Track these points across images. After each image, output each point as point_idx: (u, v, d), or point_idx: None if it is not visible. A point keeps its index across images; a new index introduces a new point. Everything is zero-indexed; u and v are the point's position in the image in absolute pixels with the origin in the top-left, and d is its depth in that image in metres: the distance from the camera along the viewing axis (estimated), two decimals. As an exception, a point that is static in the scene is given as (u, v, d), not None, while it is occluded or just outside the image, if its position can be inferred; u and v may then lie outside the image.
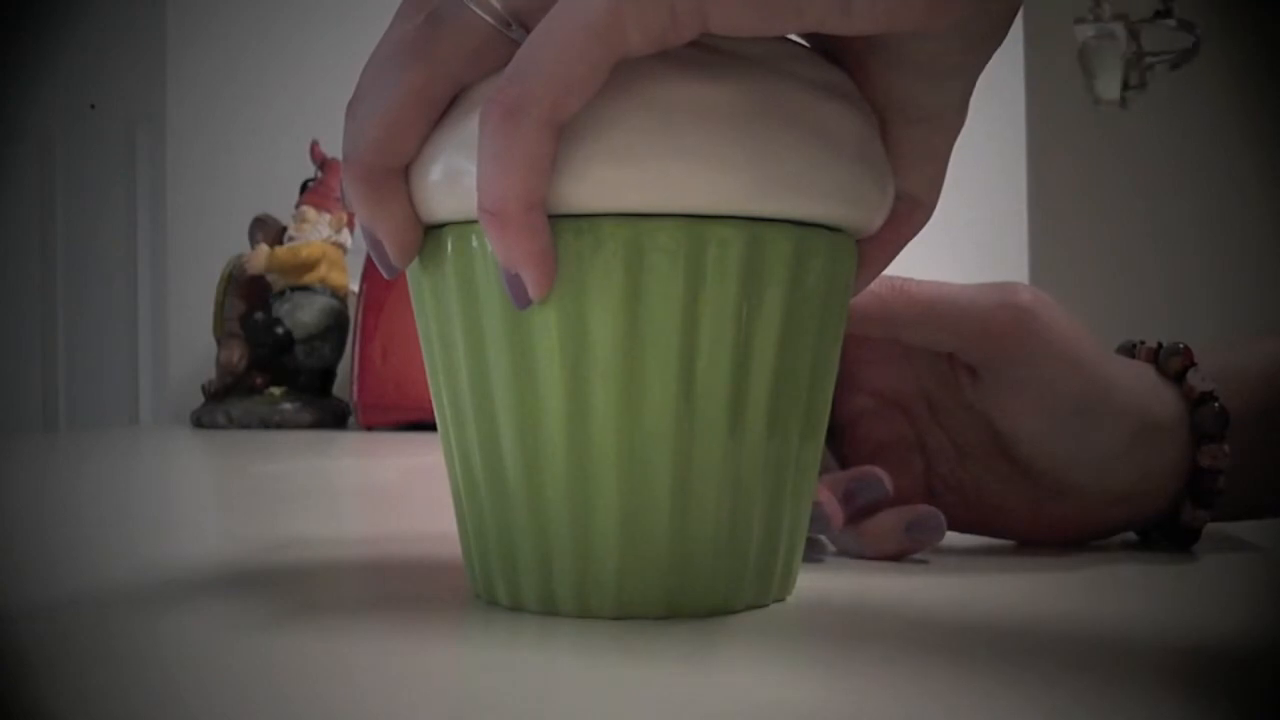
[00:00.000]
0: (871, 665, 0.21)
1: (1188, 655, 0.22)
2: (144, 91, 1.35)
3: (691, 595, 0.25)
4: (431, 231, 0.26)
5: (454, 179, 0.24)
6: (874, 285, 0.33)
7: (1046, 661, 0.21)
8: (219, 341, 1.17)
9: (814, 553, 0.34)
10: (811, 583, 0.29)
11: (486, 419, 0.25)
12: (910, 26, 0.22)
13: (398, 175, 0.24)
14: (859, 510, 0.32)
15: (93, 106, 1.39)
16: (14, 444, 0.94)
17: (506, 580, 0.26)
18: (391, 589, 0.29)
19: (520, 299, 0.23)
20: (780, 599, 0.27)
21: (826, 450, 0.36)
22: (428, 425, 1.02)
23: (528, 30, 0.23)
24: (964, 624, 0.25)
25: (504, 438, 0.25)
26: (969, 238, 1.31)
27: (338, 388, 1.19)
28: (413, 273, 0.27)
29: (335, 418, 1.16)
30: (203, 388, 1.17)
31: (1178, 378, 0.35)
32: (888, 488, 0.32)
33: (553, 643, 0.23)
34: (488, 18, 0.23)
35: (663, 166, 0.23)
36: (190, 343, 1.29)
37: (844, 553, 0.34)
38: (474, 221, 0.24)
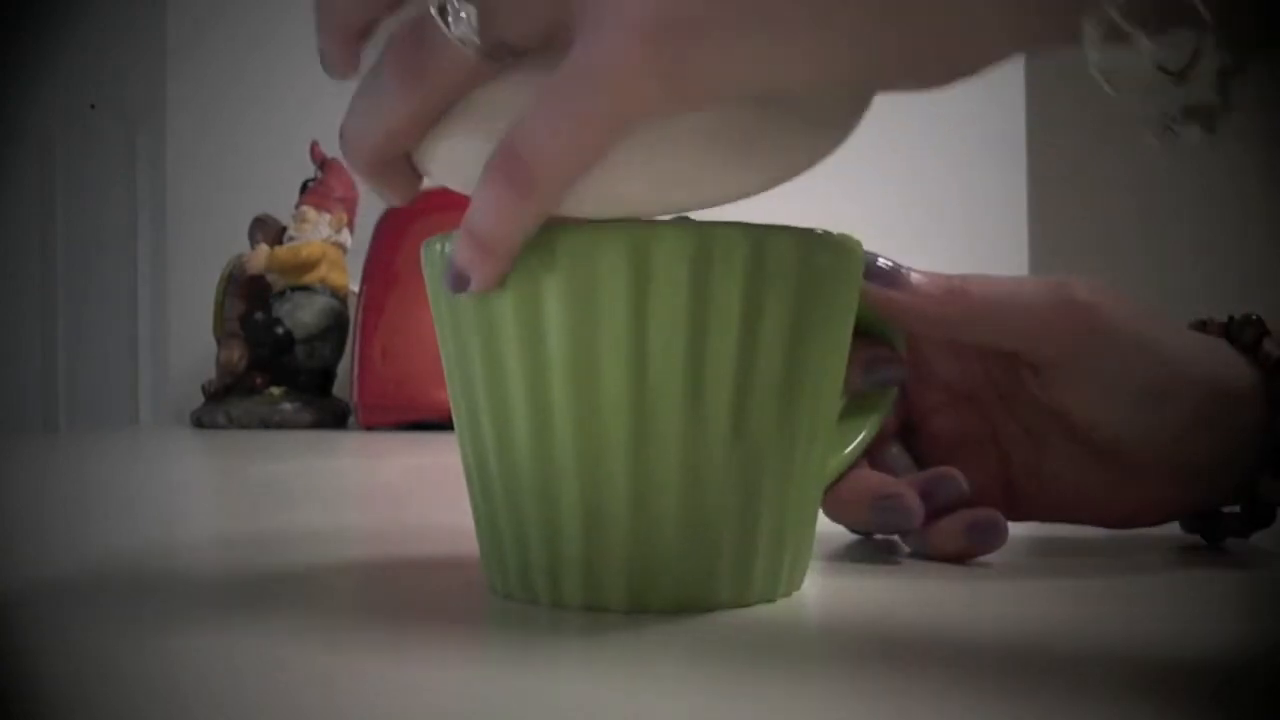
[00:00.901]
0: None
1: (1196, 665, 0.22)
2: (144, 91, 1.35)
3: (657, 590, 0.25)
4: (434, 240, 0.27)
5: (455, 166, 0.25)
6: (930, 285, 0.33)
7: (1039, 675, 0.21)
8: (219, 341, 1.17)
9: (890, 554, 0.34)
10: (822, 585, 0.29)
11: (470, 411, 0.27)
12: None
13: (400, 159, 0.26)
14: (938, 509, 0.33)
15: (93, 106, 1.39)
16: (14, 444, 0.94)
17: (499, 569, 0.27)
18: (394, 587, 0.29)
19: (459, 287, 0.25)
20: (769, 600, 0.27)
21: (901, 448, 0.36)
22: (428, 425, 1.02)
23: (513, 53, 0.24)
24: (941, 637, 0.25)
25: (483, 428, 0.27)
26: (969, 236, 1.31)
27: (338, 388, 1.19)
28: (428, 274, 0.28)
29: (335, 418, 1.16)
30: (203, 388, 1.17)
31: (1251, 347, 0.35)
32: (964, 487, 0.32)
33: (538, 639, 0.23)
34: (473, 54, 0.24)
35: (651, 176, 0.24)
36: (190, 343, 1.29)
37: (915, 554, 0.34)
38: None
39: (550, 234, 0.24)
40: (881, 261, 0.32)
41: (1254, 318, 0.35)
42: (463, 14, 0.24)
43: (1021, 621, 0.25)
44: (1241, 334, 0.35)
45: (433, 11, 0.24)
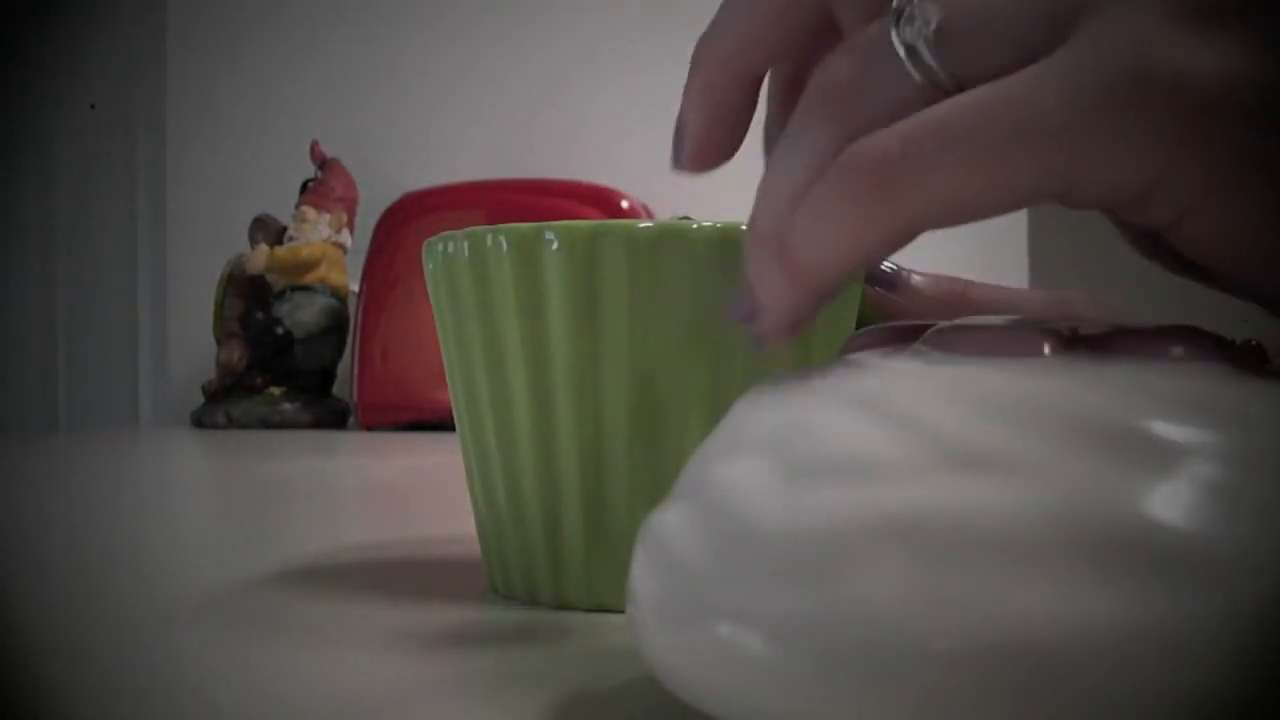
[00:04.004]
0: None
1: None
2: (144, 91, 1.35)
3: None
4: (436, 240, 0.27)
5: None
6: (931, 289, 0.33)
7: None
8: (219, 341, 1.17)
9: None
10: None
11: (472, 410, 0.27)
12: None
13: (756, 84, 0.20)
14: None
15: (93, 106, 1.39)
16: (14, 444, 0.94)
17: (501, 569, 0.27)
18: (394, 587, 0.29)
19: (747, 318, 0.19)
20: None
21: None
22: (428, 425, 1.02)
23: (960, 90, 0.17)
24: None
25: (485, 428, 0.27)
26: (969, 239, 1.31)
27: (338, 388, 1.19)
28: (429, 274, 0.28)
29: (335, 418, 1.16)
30: (203, 388, 1.17)
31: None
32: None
33: (536, 635, 0.23)
34: (919, 77, 0.17)
35: None
36: (190, 343, 1.29)
37: None
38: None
39: (551, 232, 0.24)
40: (884, 265, 0.33)
41: (1254, 343, 0.35)
42: (926, 20, 0.17)
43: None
44: (1243, 360, 0.35)
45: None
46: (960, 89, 0.16)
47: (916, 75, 0.17)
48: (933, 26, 0.16)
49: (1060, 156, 0.16)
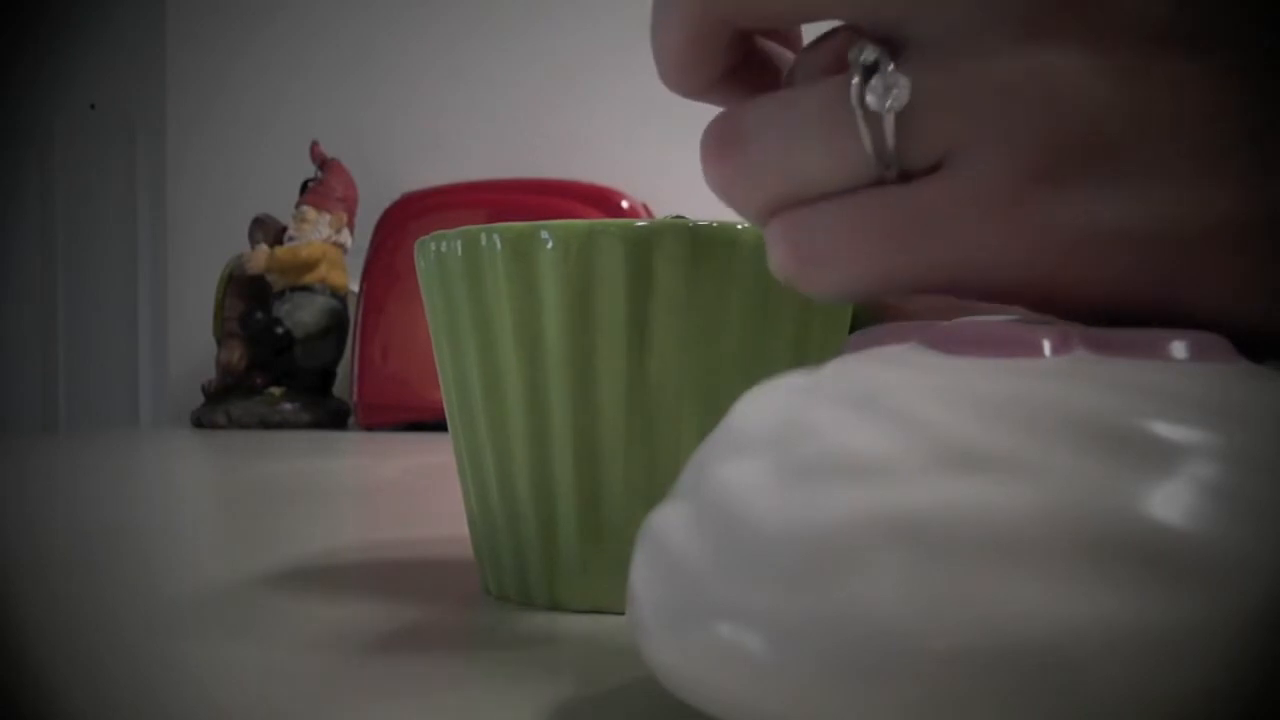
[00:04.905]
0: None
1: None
2: (144, 91, 1.35)
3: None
4: (429, 239, 0.27)
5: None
6: (930, 299, 0.33)
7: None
8: (219, 341, 1.17)
9: None
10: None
11: (465, 412, 0.27)
12: None
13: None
14: None
15: (93, 106, 1.39)
16: (14, 444, 0.94)
17: (495, 570, 0.27)
18: (390, 588, 0.29)
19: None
20: None
21: None
22: (428, 425, 1.02)
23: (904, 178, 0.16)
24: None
25: (479, 429, 0.26)
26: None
27: (338, 388, 1.19)
28: (422, 274, 0.28)
29: (335, 418, 1.16)
30: (203, 388, 1.17)
31: None
32: None
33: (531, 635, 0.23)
34: (869, 146, 0.16)
35: None
36: (190, 343, 1.29)
37: None
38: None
39: (546, 230, 0.24)
40: None
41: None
42: (899, 89, 0.16)
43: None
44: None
45: (854, 56, 0.16)
46: (901, 179, 0.16)
47: (867, 143, 0.16)
48: (903, 102, 0.16)
49: (946, 255, 0.17)
